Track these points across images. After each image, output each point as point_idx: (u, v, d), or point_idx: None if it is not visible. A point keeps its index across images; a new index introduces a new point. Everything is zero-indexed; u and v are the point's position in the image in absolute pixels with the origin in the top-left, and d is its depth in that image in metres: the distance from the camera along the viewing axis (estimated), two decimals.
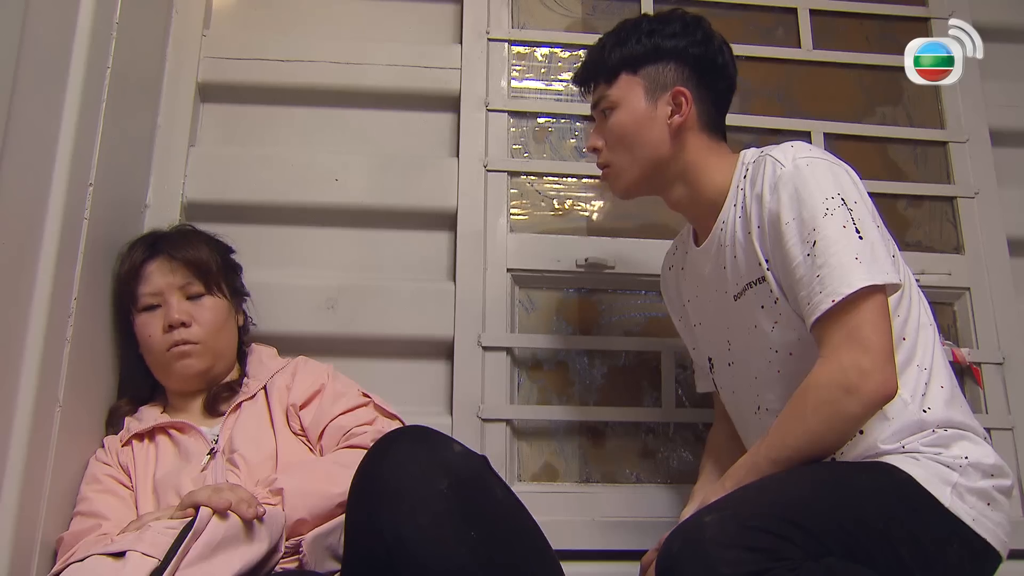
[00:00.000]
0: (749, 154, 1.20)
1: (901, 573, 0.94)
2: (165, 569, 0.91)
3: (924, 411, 1.07)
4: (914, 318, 1.14)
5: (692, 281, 1.32)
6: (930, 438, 1.05)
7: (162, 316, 1.28)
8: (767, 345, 1.15)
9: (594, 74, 1.27)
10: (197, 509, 0.97)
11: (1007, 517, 1.04)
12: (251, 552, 0.98)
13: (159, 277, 1.30)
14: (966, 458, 1.04)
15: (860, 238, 1.04)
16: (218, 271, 1.34)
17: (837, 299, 1.01)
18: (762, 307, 1.14)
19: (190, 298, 1.30)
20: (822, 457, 1.04)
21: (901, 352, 1.09)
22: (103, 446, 1.27)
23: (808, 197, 1.06)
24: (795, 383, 1.07)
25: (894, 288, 1.06)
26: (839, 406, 1.00)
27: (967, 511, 1.00)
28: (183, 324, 1.27)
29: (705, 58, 1.22)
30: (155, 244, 1.33)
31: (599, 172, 1.30)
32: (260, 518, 1.00)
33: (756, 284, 1.14)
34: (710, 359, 1.31)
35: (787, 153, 1.12)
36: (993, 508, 1.03)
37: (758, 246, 1.12)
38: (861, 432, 1.06)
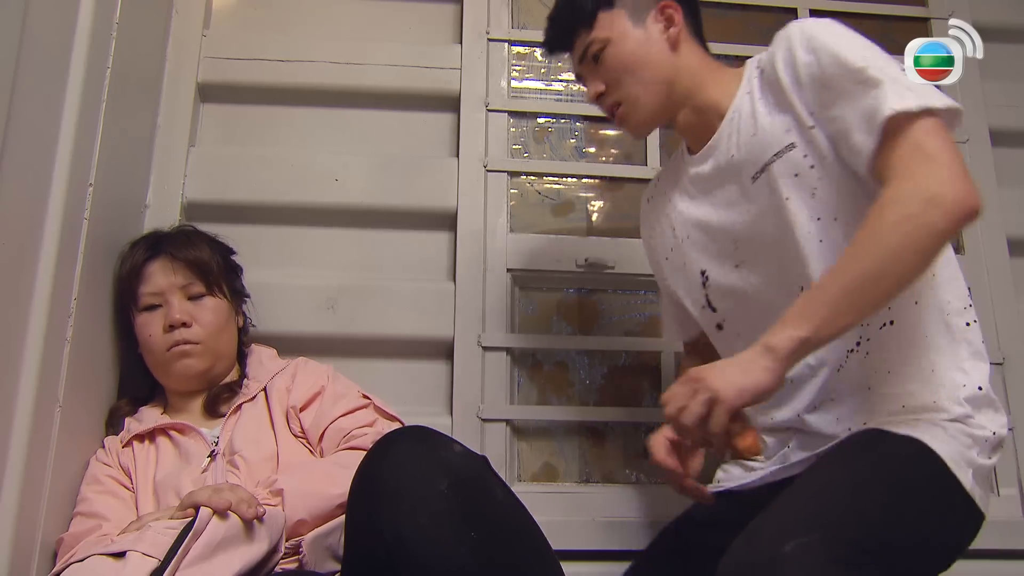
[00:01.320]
0: (758, 56, 1.18)
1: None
2: (165, 569, 0.91)
3: (965, 326, 1.06)
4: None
5: (683, 193, 1.26)
6: (968, 395, 1.03)
7: (163, 316, 1.28)
8: (807, 216, 1.07)
9: (571, 28, 1.23)
10: (197, 509, 0.97)
11: None
12: (251, 552, 0.98)
13: (160, 277, 1.30)
14: (993, 433, 1.02)
15: (904, 73, 1.01)
16: (219, 272, 1.34)
17: (910, 107, 0.95)
18: (796, 175, 1.07)
19: (191, 298, 1.30)
20: (900, 284, 0.94)
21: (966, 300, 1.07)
22: (103, 446, 1.27)
23: (847, 42, 1.04)
24: (841, 248, 1.01)
25: (953, 115, 0.99)
26: (923, 219, 0.91)
27: (980, 495, 1.00)
28: (184, 324, 1.27)
29: None
30: (156, 244, 1.33)
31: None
32: (260, 518, 1.00)
33: (785, 152, 1.08)
34: (703, 272, 1.23)
35: (808, 21, 1.10)
36: (990, 487, 1.06)
37: (799, 105, 1.07)
38: (892, 322, 1.04)
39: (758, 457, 0.99)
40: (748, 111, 1.14)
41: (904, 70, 1.06)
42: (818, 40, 1.05)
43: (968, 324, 1.07)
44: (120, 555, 0.96)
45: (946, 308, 1.06)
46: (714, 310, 1.23)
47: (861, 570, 0.82)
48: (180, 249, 1.32)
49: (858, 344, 1.07)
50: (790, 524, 0.87)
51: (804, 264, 1.08)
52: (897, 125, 0.96)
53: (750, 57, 1.20)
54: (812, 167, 1.07)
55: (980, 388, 1.04)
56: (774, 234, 1.11)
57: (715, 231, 1.20)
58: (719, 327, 1.23)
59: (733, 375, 0.92)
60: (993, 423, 1.03)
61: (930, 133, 0.95)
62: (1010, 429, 1.62)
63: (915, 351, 1.05)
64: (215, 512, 0.97)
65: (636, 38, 1.19)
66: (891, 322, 1.05)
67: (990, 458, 1.02)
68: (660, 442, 1.14)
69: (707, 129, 1.19)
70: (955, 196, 0.92)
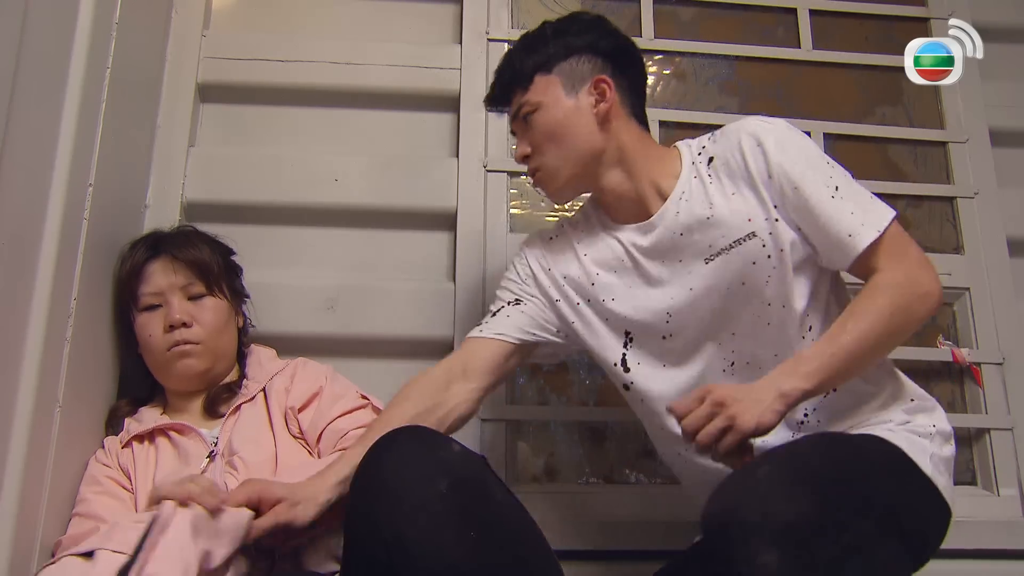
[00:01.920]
0: (693, 142, 1.23)
1: (898, 544, 0.95)
2: (132, 565, 0.91)
3: (888, 377, 1.16)
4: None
5: (606, 258, 1.25)
6: (904, 407, 1.14)
7: (163, 316, 1.28)
8: (760, 300, 1.14)
9: (509, 87, 1.25)
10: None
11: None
12: (219, 543, 0.98)
13: (161, 277, 1.30)
14: (934, 427, 1.12)
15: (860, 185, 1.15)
16: (219, 272, 1.34)
17: (881, 229, 1.09)
18: (753, 263, 1.13)
19: (191, 299, 1.30)
20: (880, 358, 1.13)
21: None
22: (103, 447, 1.27)
23: (810, 150, 1.16)
24: (788, 333, 1.13)
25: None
26: (915, 308, 1.07)
27: (941, 480, 1.07)
28: (184, 324, 1.27)
29: (617, 47, 1.24)
30: (157, 244, 1.33)
31: None
32: (222, 508, 0.99)
33: (745, 240, 1.14)
34: (627, 332, 1.24)
35: (764, 119, 1.19)
36: (950, 475, 1.10)
37: (768, 200, 1.13)
38: (834, 389, 1.12)
39: None
40: (700, 195, 1.17)
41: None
42: (790, 143, 1.15)
43: (892, 368, 1.20)
44: (90, 554, 0.96)
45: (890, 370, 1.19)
46: (627, 370, 1.23)
47: (835, 503, 0.90)
48: (181, 249, 1.32)
49: (805, 415, 1.14)
50: (760, 465, 0.96)
51: (741, 342, 1.16)
52: (884, 237, 1.10)
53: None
54: (769, 256, 1.13)
55: (912, 400, 1.16)
56: (714, 311, 1.17)
57: (648, 300, 1.20)
58: (626, 388, 1.25)
59: (752, 409, 1.00)
60: (930, 420, 1.13)
61: (902, 236, 1.12)
62: (1010, 429, 1.63)
63: (857, 408, 1.14)
64: (179, 503, 0.97)
65: (565, 108, 1.20)
66: (833, 390, 1.13)
67: (942, 448, 1.11)
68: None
69: (640, 204, 1.22)
70: (939, 296, 1.09)
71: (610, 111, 1.20)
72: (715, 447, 1.00)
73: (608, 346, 1.24)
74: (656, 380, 1.21)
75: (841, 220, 1.10)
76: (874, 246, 1.09)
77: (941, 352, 1.67)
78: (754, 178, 1.14)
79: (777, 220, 1.13)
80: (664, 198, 1.20)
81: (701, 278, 1.17)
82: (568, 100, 1.20)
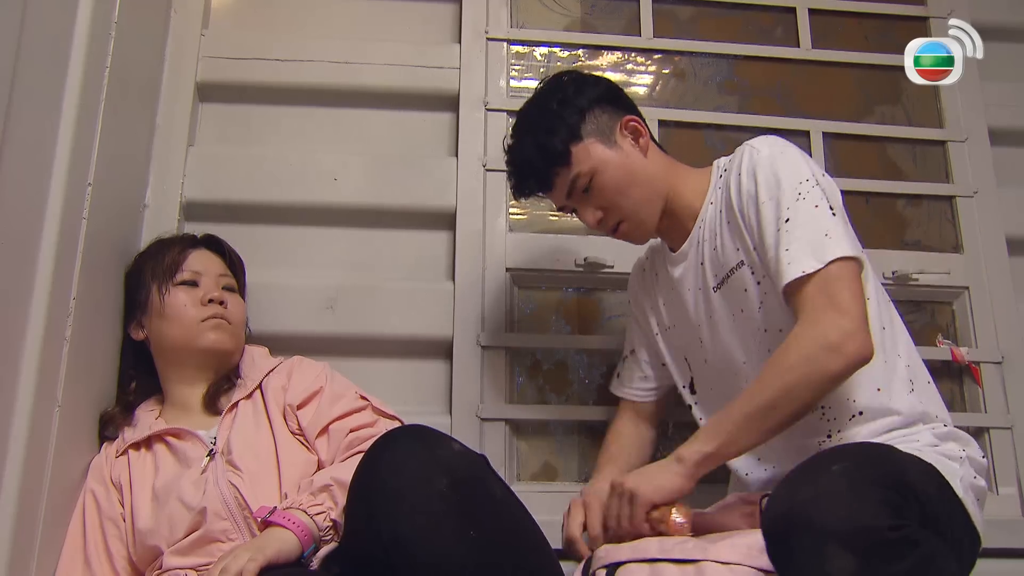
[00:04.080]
0: (722, 160, 1.26)
1: (956, 562, 0.94)
2: None
3: (920, 403, 1.13)
4: (885, 311, 1.18)
5: (665, 284, 1.33)
6: (935, 431, 1.10)
7: (198, 293, 1.31)
8: (756, 327, 1.17)
9: (548, 172, 1.23)
10: None
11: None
12: None
13: (204, 260, 1.35)
14: (964, 451, 1.09)
15: (833, 215, 1.09)
16: (242, 276, 1.43)
17: (808, 271, 1.05)
18: (745, 291, 1.17)
19: (225, 288, 1.35)
20: (794, 416, 1.04)
21: (885, 339, 1.14)
22: (100, 450, 1.27)
23: (784, 179, 1.12)
24: None
25: (859, 265, 1.09)
26: (821, 363, 1.01)
27: (971, 506, 1.04)
28: (222, 303, 1.31)
29: (611, 90, 1.27)
30: (195, 239, 1.40)
31: None
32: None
33: (737, 269, 1.17)
34: (686, 358, 1.32)
35: (763, 142, 1.18)
36: (980, 506, 1.07)
37: (743, 228, 1.15)
38: (861, 413, 1.10)
39: (687, 534, 1.04)
40: (712, 224, 1.22)
41: (843, 208, 1.14)
42: (761, 168, 1.14)
43: (924, 395, 1.15)
44: None
45: (906, 385, 1.14)
46: (693, 392, 1.32)
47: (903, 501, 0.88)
48: (218, 245, 1.41)
49: (828, 436, 1.13)
50: (821, 461, 0.93)
51: (752, 370, 1.17)
52: (815, 277, 1.05)
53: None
54: (759, 283, 1.16)
55: (945, 425, 1.13)
56: (729, 340, 1.21)
57: (688, 328, 1.28)
58: (690, 408, 1.33)
59: (650, 476, 1.06)
60: (960, 446, 1.11)
61: (839, 280, 1.04)
62: (1009, 428, 1.63)
63: (885, 432, 1.11)
64: None
65: (616, 160, 1.21)
66: (860, 413, 1.12)
67: (974, 477, 1.07)
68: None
69: (681, 230, 1.26)
70: (854, 347, 1.02)
71: (648, 143, 1.24)
72: (632, 522, 1.03)
73: (680, 370, 1.34)
74: (710, 404, 1.28)
75: (776, 254, 1.09)
76: (797, 284, 1.05)
77: (940, 351, 1.67)
78: (735, 208, 1.17)
79: (755, 249, 1.14)
80: (695, 219, 1.24)
81: (715, 307, 1.21)
82: (613, 152, 1.21)
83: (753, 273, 1.15)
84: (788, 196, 1.10)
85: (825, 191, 1.11)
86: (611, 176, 1.21)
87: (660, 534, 1.02)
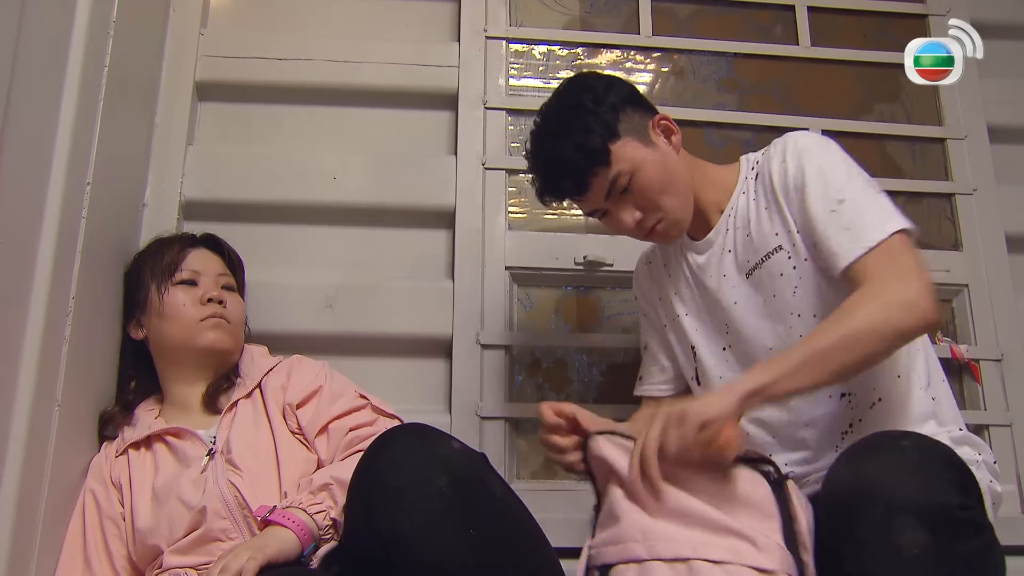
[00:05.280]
0: (752, 155, 1.27)
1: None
2: None
3: (932, 400, 1.15)
4: None
5: (679, 274, 1.32)
6: (950, 435, 1.11)
7: (197, 292, 1.31)
8: (789, 311, 1.17)
9: (587, 172, 1.18)
10: None
11: None
12: None
13: (203, 259, 1.36)
14: (979, 455, 1.10)
15: (882, 196, 1.12)
16: (241, 275, 1.43)
17: (872, 244, 1.06)
18: (781, 275, 1.17)
19: (224, 288, 1.35)
20: (854, 366, 1.02)
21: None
22: (100, 450, 1.27)
23: (830, 164, 1.14)
24: None
25: (915, 232, 1.10)
26: (894, 317, 1.01)
27: (990, 509, 1.03)
28: (220, 302, 1.32)
29: (635, 91, 1.25)
30: (194, 238, 1.40)
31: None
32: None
33: (774, 254, 1.18)
34: (693, 347, 1.30)
35: (803, 134, 1.21)
36: (994, 512, 1.06)
37: (787, 211, 1.16)
38: (880, 400, 1.12)
39: (737, 451, 1.01)
40: (744, 211, 1.22)
41: (880, 192, 1.15)
42: (808, 154, 1.15)
43: (939, 393, 1.17)
44: None
45: (923, 379, 1.16)
46: (699, 383, 1.30)
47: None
48: (217, 245, 1.41)
49: (851, 426, 1.15)
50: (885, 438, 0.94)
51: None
52: (878, 249, 1.06)
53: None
54: (794, 268, 1.16)
55: (960, 429, 1.15)
56: (757, 325, 1.20)
57: (709, 315, 1.28)
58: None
59: (699, 401, 1.01)
60: (976, 450, 1.12)
61: (903, 251, 1.06)
62: (1008, 425, 1.63)
63: (902, 423, 1.12)
64: None
65: (654, 158, 1.20)
66: (879, 399, 1.14)
67: (990, 479, 1.09)
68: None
69: (704, 222, 1.26)
70: (928, 307, 1.01)
71: (680, 141, 1.24)
72: (684, 443, 0.97)
73: (686, 360, 1.32)
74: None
75: (831, 236, 1.10)
76: (861, 262, 1.06)
77: (940, 349, 1.67)
78: (777, 192, 1.17)
79: (797, 232, 1.15)
80: (721, 212, 1.25)
81: (743, 293, 1.21)
82: (650, 150, 1.20)
83: (790, 258, 1.16)
84: (838, 178, 1.12)
85: (864, 176, 1.15)
86: (651, 174, 1.19)
87: (716, 453, 0.98)
